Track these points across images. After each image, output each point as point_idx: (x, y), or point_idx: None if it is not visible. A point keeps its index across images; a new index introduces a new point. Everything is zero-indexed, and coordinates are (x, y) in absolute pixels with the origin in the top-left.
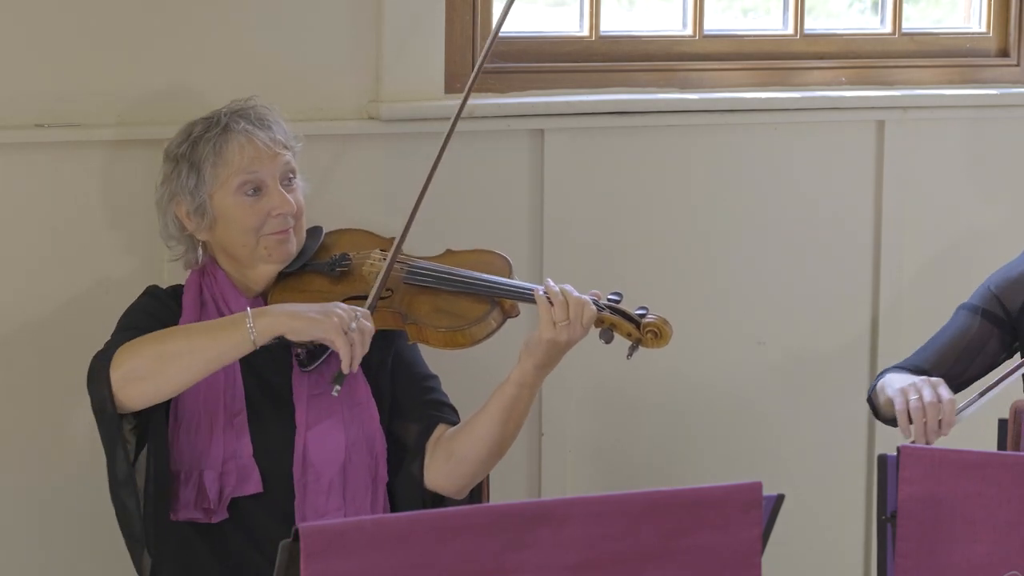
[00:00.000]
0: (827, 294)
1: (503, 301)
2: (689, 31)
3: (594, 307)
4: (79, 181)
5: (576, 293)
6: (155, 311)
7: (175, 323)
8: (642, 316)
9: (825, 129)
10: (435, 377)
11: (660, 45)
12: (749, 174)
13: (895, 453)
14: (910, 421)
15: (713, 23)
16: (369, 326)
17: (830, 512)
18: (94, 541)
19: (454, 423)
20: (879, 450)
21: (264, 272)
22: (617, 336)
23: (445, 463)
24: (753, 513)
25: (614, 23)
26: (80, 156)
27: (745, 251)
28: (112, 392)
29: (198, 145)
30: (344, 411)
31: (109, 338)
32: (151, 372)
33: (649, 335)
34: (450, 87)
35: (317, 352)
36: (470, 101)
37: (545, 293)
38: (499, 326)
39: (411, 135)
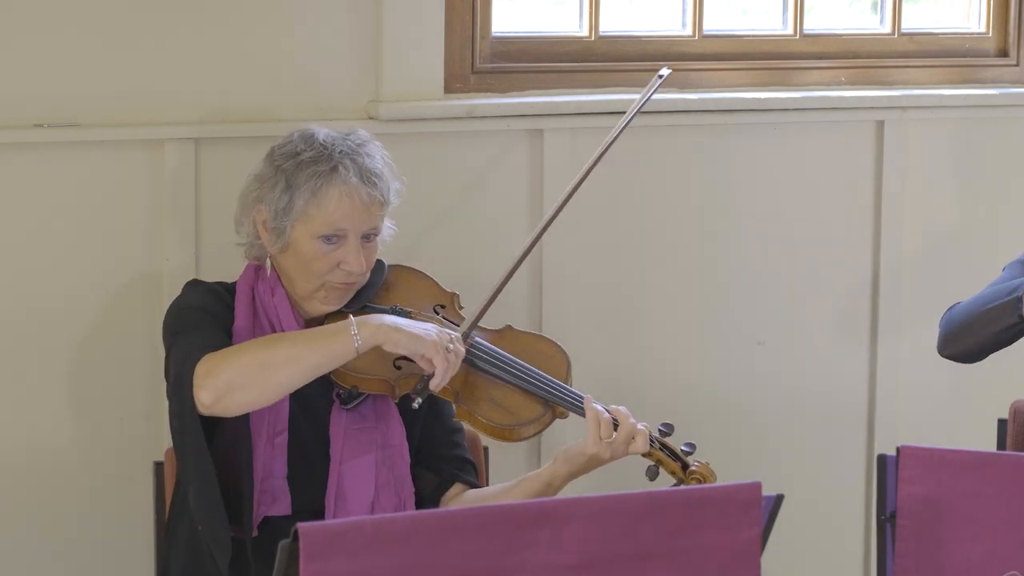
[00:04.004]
0: (826, 294)
1: (556, 407)
2: (688, 31)
3: (643, 434)
4: (79, 181)
5: (632, 419)
6: (212, 304)
7: (230, 320)
8: (687, 454)
9: (824, 129)
10: (461, 431)
11: (659, 45)
12: (749, 174)
13: (895, 453)
14: None
15: (712, 23)
16: (462, 350)
17: (830, 512)
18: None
19: (472, 483)
20: (879, 450)
21: (317, 309)
22: (662, 472)
23: None
24: (753, 513)
25: (613, 23)
26: (80, 156)
27: (744, 251)
28: (196, 399)
29: (301, 171)
30: (378, 451)
31: (178, 343)
32: (252, 381)
33: (693, 481)
34: (449, 87)
35: (355, 393)
36: (470, 101)
37: (597, 406)
38: (545, 428)
39: (411, 135)
